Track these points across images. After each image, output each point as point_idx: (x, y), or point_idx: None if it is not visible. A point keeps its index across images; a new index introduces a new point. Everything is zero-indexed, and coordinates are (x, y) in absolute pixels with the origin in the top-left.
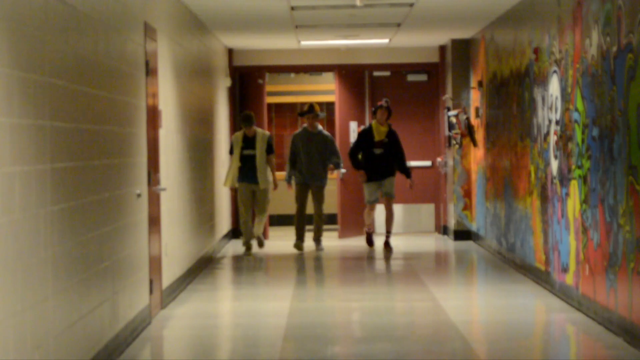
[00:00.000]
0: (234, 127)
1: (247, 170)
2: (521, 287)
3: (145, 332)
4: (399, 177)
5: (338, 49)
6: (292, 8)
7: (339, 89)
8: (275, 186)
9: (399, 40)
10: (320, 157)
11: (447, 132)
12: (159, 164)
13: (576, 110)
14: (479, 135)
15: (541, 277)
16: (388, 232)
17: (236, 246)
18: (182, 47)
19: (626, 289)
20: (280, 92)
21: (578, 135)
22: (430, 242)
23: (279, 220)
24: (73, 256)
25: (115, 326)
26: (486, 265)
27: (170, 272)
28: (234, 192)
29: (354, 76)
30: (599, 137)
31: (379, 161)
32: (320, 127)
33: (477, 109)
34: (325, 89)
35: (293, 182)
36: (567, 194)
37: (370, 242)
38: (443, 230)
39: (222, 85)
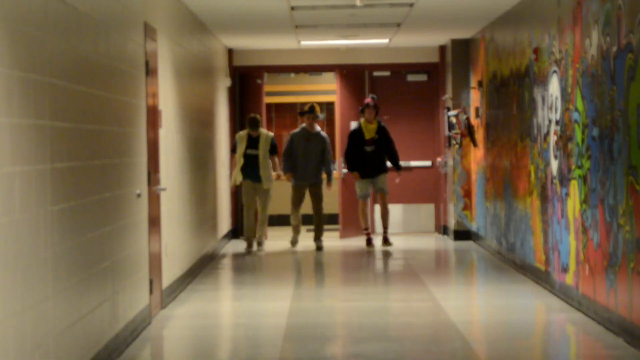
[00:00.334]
0: (234, 127)
1: (250, 169)
2: (521, 287)
3: (145, 332)
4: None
5: (338, 49)
6: (292, 8)
7: (340, 89)
8: (278, 176)
9: (399, 40)
10: (317, 157)
11: (447, 132)
12: (159, 164)
13: (576, 110)
14: (479, 135)
15: (541, 277)
16: (385, 228)
17: (236, 246)
18: (182, 47)
19: (626, 289)
20: (280, 92)
21: (578, 135)
22: (430, 242)
23: (278, 221)
24: (73, 256)
25: (115, 326)
26: (486, 265)
27: (170, 272)
28: (234, 191)
29: (354, 76)
30: (599, 137)
31: (371, 158)
32: (318, 127)
33: (477, 109)
34: (325, 89)
35: (289, 176)
36: (567, 194)
37: (370, 244)
38: (443, 230)
39: (222, 85)
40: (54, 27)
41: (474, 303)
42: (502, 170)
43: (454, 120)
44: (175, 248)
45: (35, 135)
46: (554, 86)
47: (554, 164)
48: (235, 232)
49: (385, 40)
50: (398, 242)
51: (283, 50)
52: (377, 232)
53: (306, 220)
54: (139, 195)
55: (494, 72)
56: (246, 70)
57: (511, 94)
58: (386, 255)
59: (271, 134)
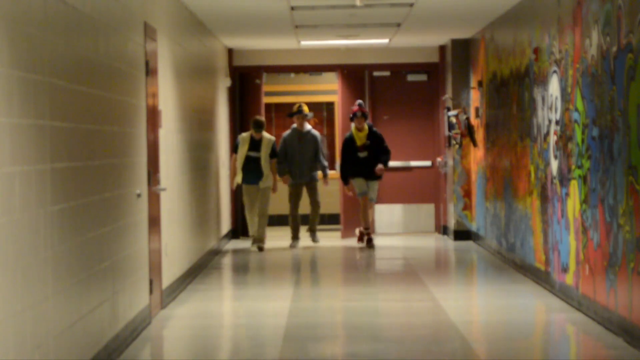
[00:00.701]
0: (233, 127)
1: (250, 171)
2: (521, 287)
3: (145, 332)
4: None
5: (338, 48)
6: (292, 8)
7: (341, 89)
8: (274, 190)
9: (399, 40)
10: (311, 155)
11: (447, 132)
12: (159, 164)
13: (576, 110)
14: (479, 135)
15: (541, 277)
16: (366, 229)
17: (236, 246)
18: (182, 47)
19: (626, 289)
20: (280, 92)
21: (578, 135)
22: (430, 242)
23: (278, 221)
24: (73, 256)
25: (115, 326)
26: (486, 265)
27: (170, 272)
28: (234, 192)
29: (354, 76)
30: (599, 137)
31: (365, 164)
32: (309, 126)
33: (477, 109)
34: (325, 89)
35: (288, 179)
36: (567, 194)
37: (370, 244)
38: (443, 230)
39: (222, 85)
40: (54, 27)
41: (474, 303)
42: (502, 170)
43: (454, 120)
44: (175, 248)
45: (35, 135)
46: (554, 86)
47: (554, 164)
48: (235, 232)
49: (385, 40)
50: (398, 242)
51: (283, 50)
52: (378, 232)
53: (305, 220)
54: (139, 195)
55: (494, 72)
56: (246, 70)
57: (511, 94)
58: (368, 249)
59: (273, 138)
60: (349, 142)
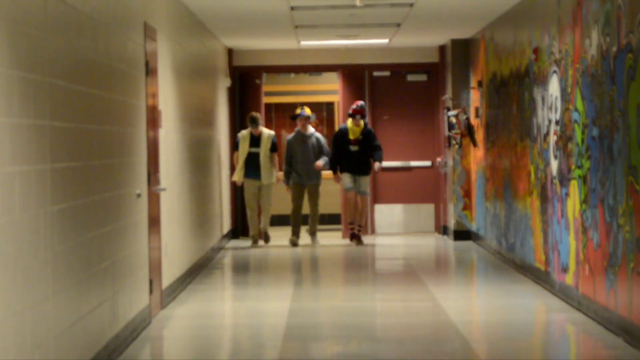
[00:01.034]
0: (233, 127)
1: (251, 167)
2: (521, 287)
3: (145, 332)
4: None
5: (338, 48)
6: (292, 8)
7: (342, 89)
8: (278, 180)
9: (399, 40)
10: (314, 157)
11: (447, 132)
12: (159, 164)
13: (576, 110)
14: (479, 135)
15: (541, 277)
16: (359, 226)
17: (236, 246)
18: (182, 47)
19: (626, 289)
20: (280, 92)
21: (578, 135)
22: (430, 242)
23: (278, 220)
24: (73, 256)
25: (115, 326)
26: (486, 265)
27: (170, 272)
28: (234, 190)
29: (354, 76)
30: (598, 137)
31: (355, 158)
32: (312, 129)
33: (477, 109)
34: (325, 89)
35: (290, 182)
36: (567, 194)
37: (357, 240)
38: (443, 230)
39: (222, 85)
40: (54, 27)
41: (474, 303)
42: (502, 171)
43: (454, 120)
44: (175, 248)
45: (35, 135)
46: (553, 86)
47: (554, 164)
48: (235, 232)
49: (385, 40)
50: (398, 242)
51: (283, 50)
52: (378, 232)
53: (306, 221)
54: (139, 195)
55: (493, 72)
56: (246, 70)
57: (511, 94)
58: (357, 246)
59: (272, 132)
60: (342, 134)
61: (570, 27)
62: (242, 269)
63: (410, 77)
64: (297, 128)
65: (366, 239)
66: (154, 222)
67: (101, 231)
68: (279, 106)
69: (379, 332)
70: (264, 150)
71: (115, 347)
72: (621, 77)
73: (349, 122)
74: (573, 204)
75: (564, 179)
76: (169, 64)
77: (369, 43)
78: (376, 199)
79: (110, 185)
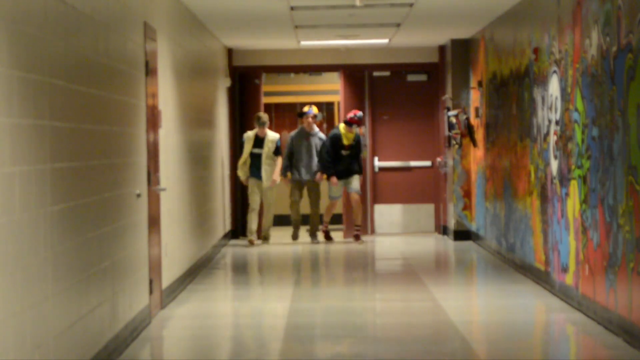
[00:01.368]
0: (233, 127)
1: (254, 167)
2: (521, 287)
3: (145, 332)
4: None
5: (338, 49)
6: (292, 8)
7: (343, 89)
8: (273, 183)
9: (399, 40)
10: (316, 156)
11: (447, 132)
12: (159, 164)
13: (576, 110)
14: (479, 135)
15: (541, 277)
16: (357, 226)
17: (236, 246)
18: (182, 47)
19: (626, 289)
20: (280, 92)
21: (578, 135)
22: (430, 242)
23: (279, 220)
24: (73, 256)
25: (115, 326)
26: (486, 265)
27: (170, 272)
28: (234, 190)
29: (354, 76)
30: (598, 137)
31: (347, 162)
32: (316, 128)
33: (476, 109)
34: (325, 89)
35: (289, 176)
36: (567, 194)
37: (328, 237)
38: (443, 230)
39: (222, 85)
40: (54, 27)
41: (474, 303)
42: (502, 171)
43: (453, 120)
44: (175, 248)
45: (35, 135)
46: (553, 86)
47: (554, 164)
48: (235, 233)
49: (385, 40)
50: (398, 242)
51: (283, 50)
52: (378, 232)
53: (306, 220)
54: (138, 195)
55: (493, 72)
56: (246, 70)
57: (511, 94)
58: (359, 246)
59: (277, 135)
60: (337, 139)
61: (570, 27)
62: (242, 268)
63: (410, 77)
64: (302, 125)
65: (366, 239)
66: (154, 222)
67: (101, 231)
68: (278, 106)
69: (379, 332)
70: (266, 151)
71: (115, 347)
72: (621, 77)
73: (342, 127)
74: (573, 204)
75: (563, 179)
76: (168, 64)
77: (369, 43)
78: (376, 199)
79: (110, 185)
